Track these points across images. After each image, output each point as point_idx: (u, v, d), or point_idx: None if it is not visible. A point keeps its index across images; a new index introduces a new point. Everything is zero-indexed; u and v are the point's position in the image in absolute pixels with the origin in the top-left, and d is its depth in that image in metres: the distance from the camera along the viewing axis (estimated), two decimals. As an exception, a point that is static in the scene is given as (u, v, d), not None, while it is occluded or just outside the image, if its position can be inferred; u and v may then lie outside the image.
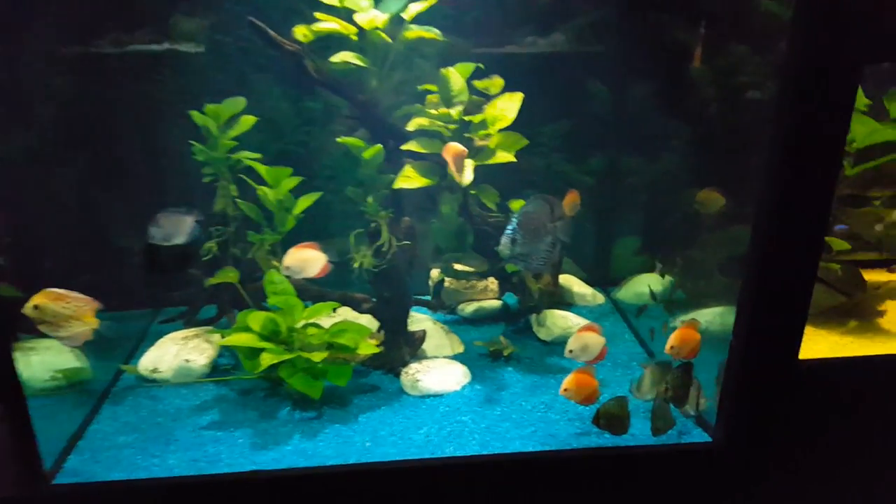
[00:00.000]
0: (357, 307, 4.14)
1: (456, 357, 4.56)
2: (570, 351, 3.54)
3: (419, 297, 4.57)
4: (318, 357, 3.62)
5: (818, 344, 3.98)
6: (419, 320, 4.68)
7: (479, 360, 4.56)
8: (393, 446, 3.58)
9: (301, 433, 3.68)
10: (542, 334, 4.87)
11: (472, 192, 3.94)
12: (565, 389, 3.54)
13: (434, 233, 4.29)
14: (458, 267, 4.67)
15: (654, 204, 5.46)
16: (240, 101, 3.68)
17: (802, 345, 2.85)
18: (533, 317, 4.99)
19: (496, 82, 4.12)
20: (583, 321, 4.99)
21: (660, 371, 3.65)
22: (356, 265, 3.95)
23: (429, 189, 3.73)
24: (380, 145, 3.86)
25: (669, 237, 5.55)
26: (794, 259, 2.58)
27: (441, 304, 4.65)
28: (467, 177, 3.95)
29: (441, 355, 4.52)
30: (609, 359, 4.63)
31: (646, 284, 5.51)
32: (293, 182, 4.01)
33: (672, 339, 3.47)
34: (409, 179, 3.96)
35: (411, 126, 3.88)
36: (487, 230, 4.40)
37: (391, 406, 3.97)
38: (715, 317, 4.12)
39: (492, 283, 5.31)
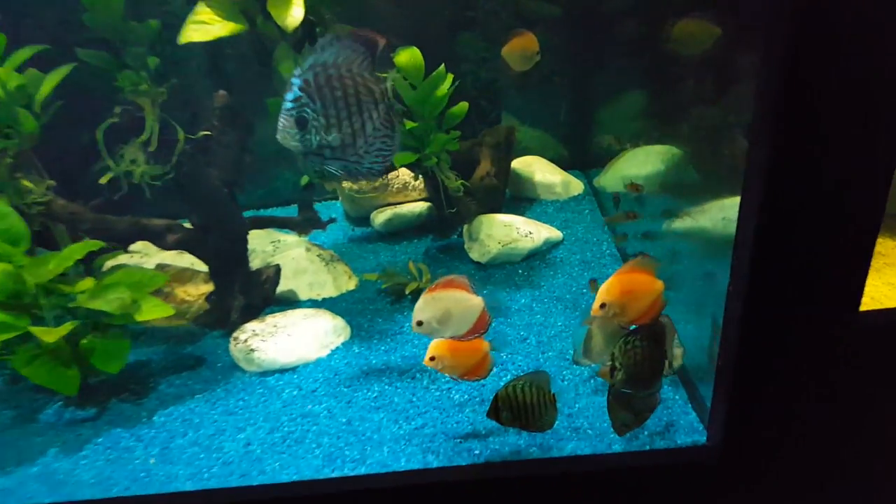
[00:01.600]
0: (158, 240, 2.66)
1: (342, 297, 3.11)
2: (419, 324, 2.02)
3: (269, 216, 3.02)
4: (51, 335, 2.21)
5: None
6: (287, 246, 3.20)
7: (375, 303, 3.10)
8: (187, 465, 2.23)
9: (61, 445, 2.35)
10: (475, 253, 3.35)
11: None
12: (431, 358, 2.12)
13: (272, 110, 2.72)
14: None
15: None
16: None
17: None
18: (465, 228, 3.45)
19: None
20: (536, 228, 3.42)
21: (612, 328, 2.16)
22: (137, 177, 2.43)
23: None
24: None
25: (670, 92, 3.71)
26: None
27: (311, 221, 3.11)
28: (295, 14, 2.37)
29: (318, 298, 3.07)
30: (565, 289, 3.12)
31: (639, 164, 3.88)
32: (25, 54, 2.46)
33: (604, 293, 1.94)
34: (206, 26, 2.39)
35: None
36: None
37: (210, 392, 2.58)
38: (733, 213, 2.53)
39: (412, 177, 3.75)
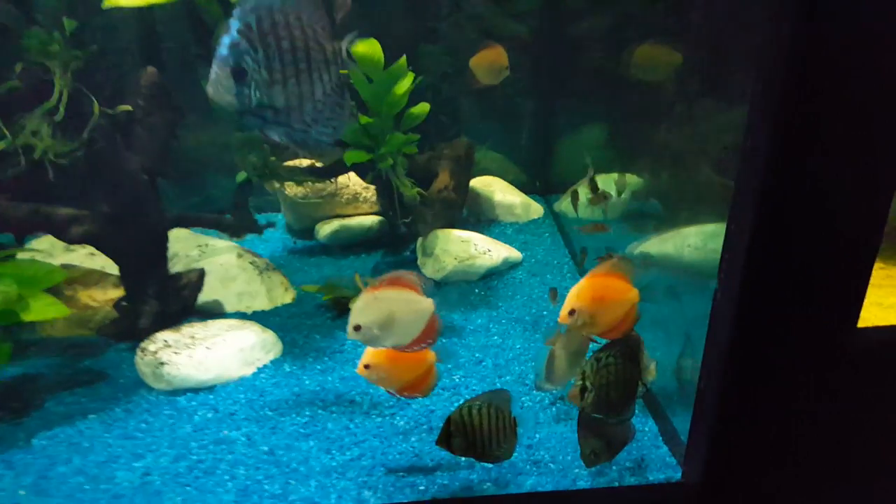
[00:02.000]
0: (60, 232, 2.28)
1: (277, 311, 2.76)
2: (357, 329, 1.68)
3: (196, 213, 2.66)
4: None
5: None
6: (215, 251, 2.84)
7: (314, 318, 2.75)
8: (66, 498, 1.83)
9: None
10: (429, 269, 3.04)
11: None
12: (366, 366, 1.80)
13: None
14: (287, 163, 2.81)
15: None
16: None
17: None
18: (418, 242, 3.15)
19: None
20: (495, 246, 3.15)
21: (577, 347, 1.88)
22: (39, 152, 2.07)
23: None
24: None
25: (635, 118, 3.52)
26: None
27: (245, 224, 2.75)
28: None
29: (248, 311, 2.71)
30: (524, 310, 2.84)
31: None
32: None
33: (573, 298, 1.69)
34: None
35: None
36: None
37: (107, 412, 2.18)
38: (704, 240, 2.47)
39: (364, 187, 3.45)
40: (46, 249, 2.74)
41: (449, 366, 2.45)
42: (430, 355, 1.82)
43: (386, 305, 1.66)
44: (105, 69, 2.22)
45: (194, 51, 2.50)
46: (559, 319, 1.72)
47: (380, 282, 1.69)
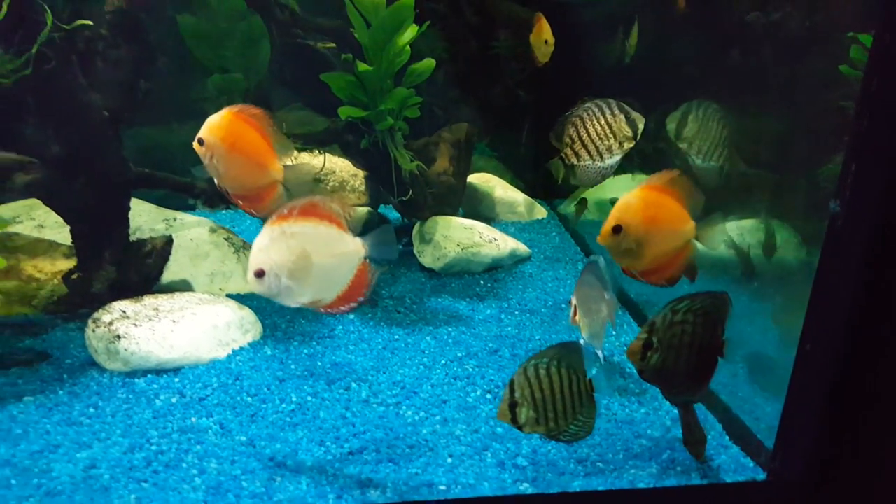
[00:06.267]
0: (1, 182, 1.88)
1: (254, 295, 2.36)
2: (259, 275, 1.32)
3: (163, 174, 2.27)
4: None
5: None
6: (185, 224, 2.45)
7: (297, 302, 2.35)
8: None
9: None
10: (427, 258, 2.69)
11: None
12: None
13: (183, 31, 2.06)
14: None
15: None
16: None
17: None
18: (415, 227, 2.80)
19: None
20: (501, 236, 2.82)
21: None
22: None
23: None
24: None
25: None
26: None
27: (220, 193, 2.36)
28: None
29: (220, 294, 2.31)
30: (539, 303, 2.51)
31: (613, 190, 3.39)
32: None
33: (621, 211, 1.39)
34: None
35: None
36: (309, 43, 2.21)
37: (48, 394, 1.77)
38: (738, 236, 2.35)
39: (352, 174, 3.11)
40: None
41: (460, 354, 2.09)
42: (277, 168, 1.53)
43: (299, 244, 1.26)
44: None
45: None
46: (598, 239, 1.39)
47: (290, 210, 1.28)
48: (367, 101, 2.36)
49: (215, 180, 1.65)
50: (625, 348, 1.58)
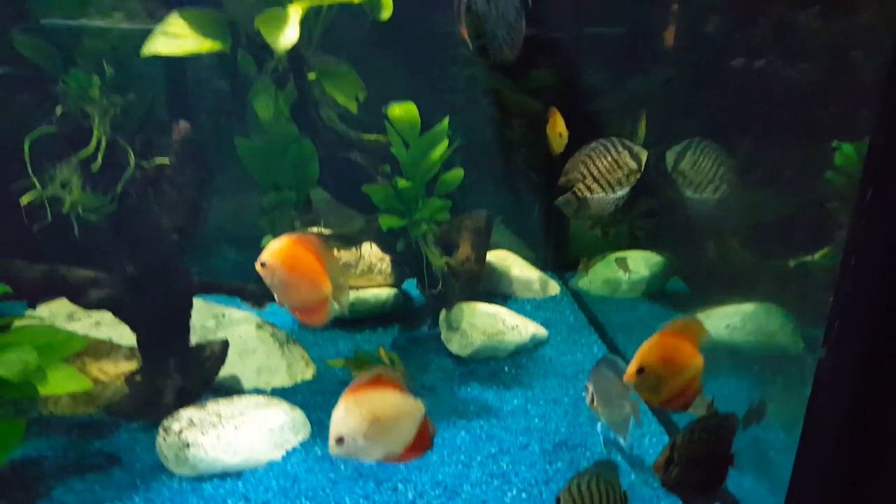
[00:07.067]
0: (78, 296, 2.07)
1: (297, 388, 2.55)
2: (339, 442, 1.42)
3: (219, 280, 2.46)
4: None
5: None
6: (232, 321, 2.63)
7: (338, 395, 2.53)
8: None
9: None
10: (455, 345, 2.88)
11: (313, 76, 1.93)
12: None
13: (240, 152, 2.27)
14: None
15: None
16: None
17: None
18: (442, 314, 2.99)
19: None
20: (522, 321, 3.01)
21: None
22: (67, 206, 1.89)
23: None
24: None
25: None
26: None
27: (268, 292, 2.55)
28: (289, 35, 1.99)
29: (267, 388, 2.49)
30: (561, 391, 2.70)
31: (610, 267, 3.65)
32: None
33: (644, 354, 1.58)
34: (176, 40, 1.97)
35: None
36: (352, 157, 2.42)
37: (125, 501, 1.91)
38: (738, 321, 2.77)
39: (380, 258, 3.30)
40: (46, 318, 2.50)
41: (493, 450, 2.27)
42: (328, 286, 1.76)
43: (369, 410, 1.45)
44: (138, 119, 2.07)
45: (229, 105, 2.39)
46: (625, 378, 1.59)
47: (358, 383, 1.47)
48: (403, 210, 2.57)
49: (275, 296, 1.84)
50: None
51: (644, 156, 2.12)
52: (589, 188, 2.15)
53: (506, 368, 2.86)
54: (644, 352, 1.60)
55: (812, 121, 2.48)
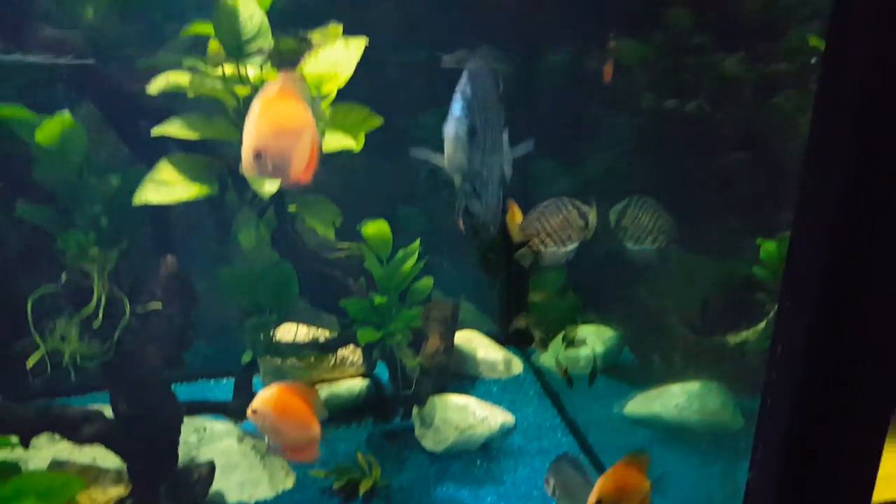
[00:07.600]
0: (72, 432, 2.15)
1: (279, 499, 2.65)
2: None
3: (205, 399, 2.57)
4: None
5: None
6: (214, 436, 2.72)
7: (318, 502, 2.65)
8: None
9: None
10: (429, 441, 3.02)
11: (293, 208, 2.09)
12: (254, 411, 2.02)
13: (223, 282, 2.39)
14: (284, 336, 2.80)
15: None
16: None
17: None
18: (415, 411, 3.13)
19: (332, 31, 2.38)
20: (490, 411, 3.17)
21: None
22: (66, 359, 1.98)
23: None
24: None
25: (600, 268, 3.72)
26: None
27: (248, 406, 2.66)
28: (273, 183, 2.13)
29: (250, 501, 2.58)
30: (530, 484, 2.86)
31: (582, 342, 3.83)
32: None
33: (600, 488, 1.90)
34: (166, 187, 2.10)
35: (156, 87, 2.03)
36: (329, 272, 2.57)
37: None
38: (685, 400, 2.97)
39: (351, 350, 3.43)
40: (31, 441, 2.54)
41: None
42: (316, 428, 2.04)
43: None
44: (129, 263, 2.19)
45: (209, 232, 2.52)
46: None
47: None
48: (379, 321, 2.73)
49: (266, 438, 2.01)
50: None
51: (592, 214, 2.42)
52: (543, 242, 2.44)
53: (478, 462, 3.01)
54: (601, 484, 1.91)
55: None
